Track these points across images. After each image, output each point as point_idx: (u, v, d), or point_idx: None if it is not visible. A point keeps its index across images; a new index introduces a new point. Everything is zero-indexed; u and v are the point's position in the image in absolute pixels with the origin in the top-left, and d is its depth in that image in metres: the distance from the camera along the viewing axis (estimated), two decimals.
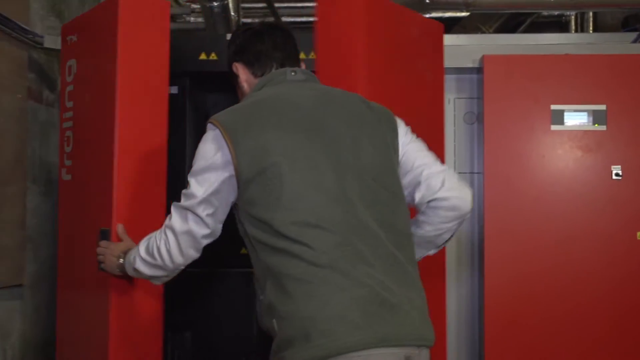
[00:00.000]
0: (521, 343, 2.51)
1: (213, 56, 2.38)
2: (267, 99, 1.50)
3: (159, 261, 1.56)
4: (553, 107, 2.57)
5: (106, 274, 1.86)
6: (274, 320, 1.37)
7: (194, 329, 2.56)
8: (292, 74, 1.59)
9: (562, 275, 2.50)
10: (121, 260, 1.75)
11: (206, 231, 1.49)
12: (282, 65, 1.63)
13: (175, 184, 2.05)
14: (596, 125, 2.55)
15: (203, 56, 2.39)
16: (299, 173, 1.38)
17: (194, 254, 1.54)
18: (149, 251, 1.58)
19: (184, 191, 1.48)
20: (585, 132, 2.56)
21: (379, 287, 1.33)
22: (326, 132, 1.45)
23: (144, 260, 1.60)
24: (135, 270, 1.65)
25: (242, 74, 1.66)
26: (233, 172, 1.41)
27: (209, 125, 1.46)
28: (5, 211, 2.48)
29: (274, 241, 1.36)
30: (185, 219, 1.48)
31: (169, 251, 1.52)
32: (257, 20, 2.62)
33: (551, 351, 2.50)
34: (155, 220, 1.89)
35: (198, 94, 2.62)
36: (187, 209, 1.47)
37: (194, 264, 1.60)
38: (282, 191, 1.36)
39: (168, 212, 1.53)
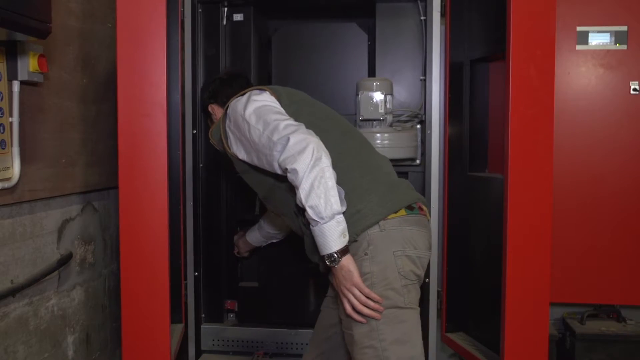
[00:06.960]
0: None
1: None
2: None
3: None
4: (579, 28, 2.79)
5: None
6: None
7: None
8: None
9: (580, 177, 2.78)
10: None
11: None
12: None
13: None
14: (618, 44, 2.77)
15: None
16: None
17: None
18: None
19: None
20: (608, 51, 2.79)
21: None
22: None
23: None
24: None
25: (218, 112, 2.39)
26: None
27: None
28: (100, 124, 2.87)
29: None
30: None
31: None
32: None
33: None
34: None
35: (260, 20, 2.90)
36: None
37: None
38: None
39: None
